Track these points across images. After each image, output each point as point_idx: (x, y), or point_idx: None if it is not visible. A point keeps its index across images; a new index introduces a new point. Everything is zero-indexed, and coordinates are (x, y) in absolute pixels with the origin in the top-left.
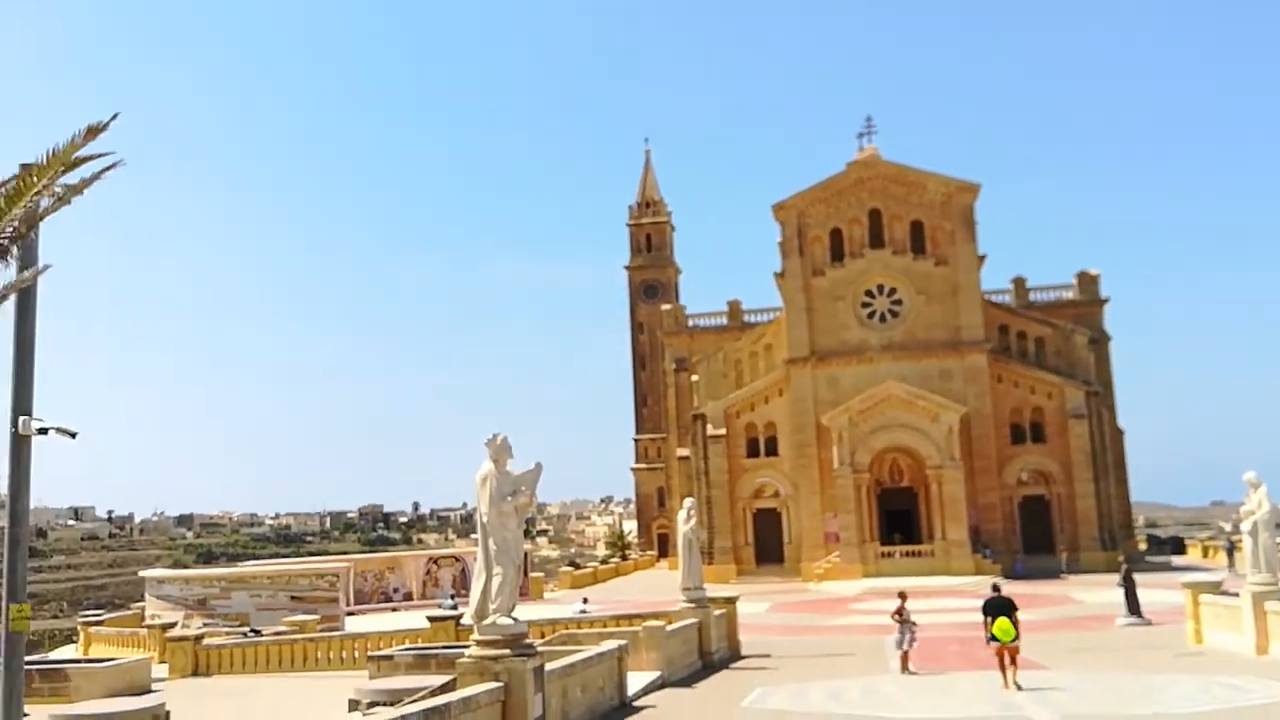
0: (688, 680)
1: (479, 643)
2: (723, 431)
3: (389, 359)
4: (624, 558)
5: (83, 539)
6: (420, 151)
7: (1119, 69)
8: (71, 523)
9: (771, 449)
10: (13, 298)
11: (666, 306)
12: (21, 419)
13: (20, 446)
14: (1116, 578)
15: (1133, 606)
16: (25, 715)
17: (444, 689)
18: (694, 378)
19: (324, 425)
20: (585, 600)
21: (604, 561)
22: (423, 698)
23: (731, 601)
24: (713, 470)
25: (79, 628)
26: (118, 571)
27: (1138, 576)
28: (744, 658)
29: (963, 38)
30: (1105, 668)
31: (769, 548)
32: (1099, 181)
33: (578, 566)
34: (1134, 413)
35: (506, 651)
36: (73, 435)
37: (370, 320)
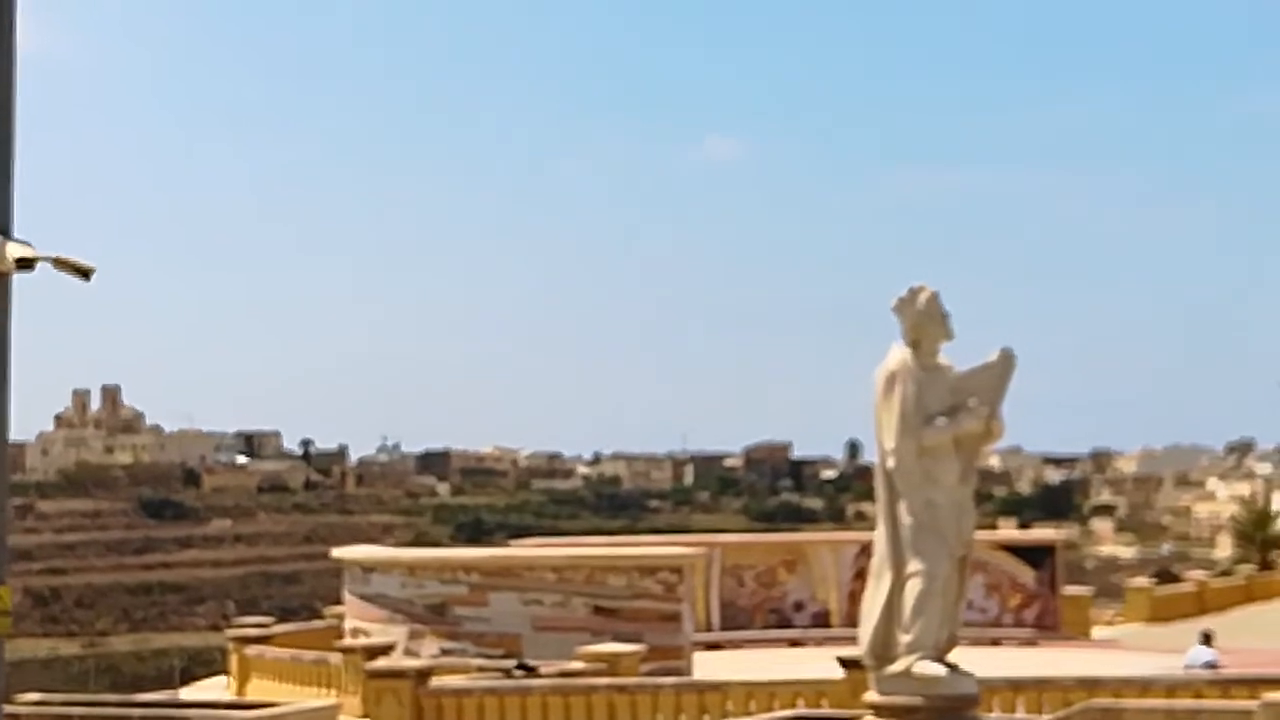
0: None
1: (876, 708)
2: None
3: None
4: (1265, 564)
5: (261, 489)
6: None
7: None
8: (242, 459)
9: None
10: None
11: None
12: None
13: None
14: None
15: None
16: None
17: None
18: None
19: (673, 300)
20: (1208, 639)
21: (1224, 573)
22: None
23: None
24: None
25: (229, 647)
26: (316, 551)
27: None
28: None
29: None
30: None
31: None
32: None
33: (1168, 578)
34: None
35: None
36: (86, 275)
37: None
